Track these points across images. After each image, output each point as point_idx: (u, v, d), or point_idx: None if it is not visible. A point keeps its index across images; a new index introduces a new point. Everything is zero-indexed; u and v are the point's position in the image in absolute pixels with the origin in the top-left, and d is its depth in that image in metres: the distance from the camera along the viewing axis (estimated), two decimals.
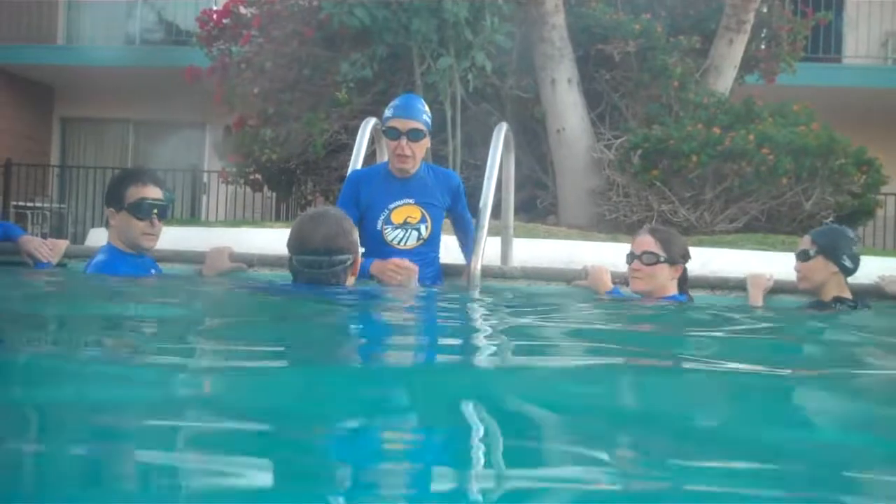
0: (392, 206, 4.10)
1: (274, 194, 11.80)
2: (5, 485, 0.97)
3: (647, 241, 3.93)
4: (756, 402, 1.64)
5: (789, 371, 2.07)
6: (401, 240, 4.09)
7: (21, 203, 15.21)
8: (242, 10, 10.13)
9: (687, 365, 2.11)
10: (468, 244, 4.37)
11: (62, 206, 15.99)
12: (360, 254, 3.28)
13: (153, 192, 3.90)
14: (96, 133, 17.17)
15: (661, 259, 3.88)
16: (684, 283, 4.04)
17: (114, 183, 4.00)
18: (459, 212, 4.41)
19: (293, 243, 3.17)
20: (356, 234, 3.26)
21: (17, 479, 1.01)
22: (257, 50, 9.82)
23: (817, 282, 3.98)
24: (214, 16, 10.30)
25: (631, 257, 3.93)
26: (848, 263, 3.96)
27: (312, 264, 3.13)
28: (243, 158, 9.93)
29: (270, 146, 9.45)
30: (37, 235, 12.61)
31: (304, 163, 9.75)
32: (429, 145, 4.21)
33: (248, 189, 11.51)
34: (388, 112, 4.08)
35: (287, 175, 10.19)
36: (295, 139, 9.38)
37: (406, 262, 3.85)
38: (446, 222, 4.36)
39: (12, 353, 1.89)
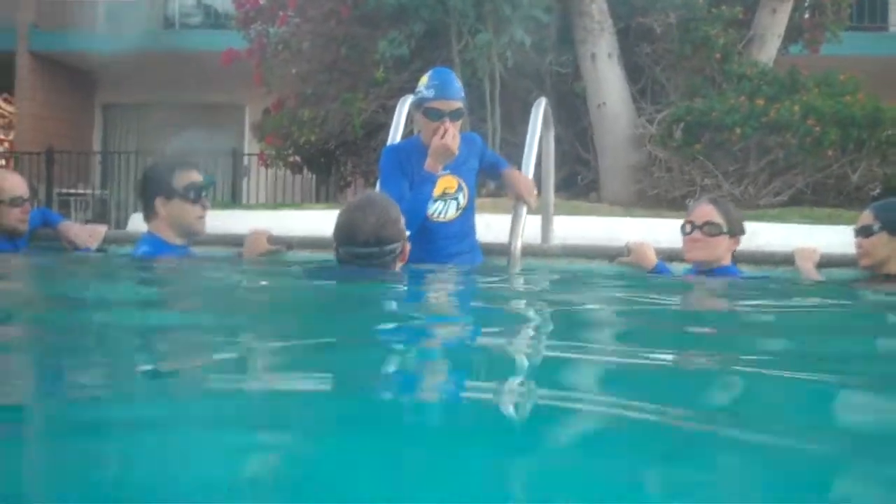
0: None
1: (313, 176, 11.80)
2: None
3: (709, 211, 3.86)
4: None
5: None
6: (441, 212, 4.03)
7: (64, 190, 15.36)
8: None
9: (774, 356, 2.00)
10: (500, 163, 4.42)
11: (104, 192, 16.13)
12: (407, 239, 3.23)
13: (198, 176, 3.94)
14: (137, 118, 17.28)
15: (724, 230, 3.81)
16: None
17: (156, 172, 3.99)
18: (494, 159, 4.41)
19: (341, 235, 3.11)
20: (403, 220, 3.21)
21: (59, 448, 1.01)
22: (294, 31, 9.80)
23: (881, 258, 3.86)
24: None
25: (691, 227, 3.86)
26: None
27: (362, 255, 3.08)
28: (281, 140, 9.92)
29: (308, 127, 9.44)
30: (80, 222, 12.78)
31: (342, 143, 9.73)
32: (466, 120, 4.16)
33: (288, 172, 11.52)
34: (427, 92, 3.99)
35: (326, 156, 10.18)
36: (333, 120, 9.35)
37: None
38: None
39: (50, 335, 1.90)
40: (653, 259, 4.24)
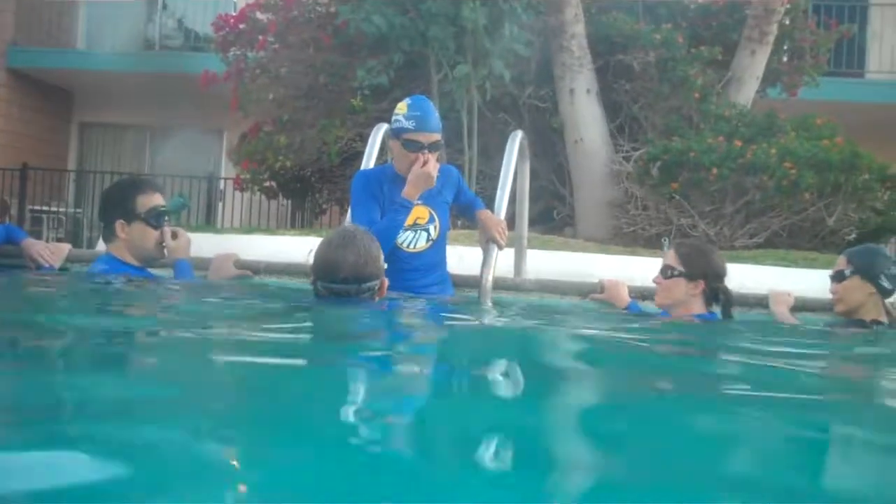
0: None
1: (289, 202, 11.71)
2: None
3: (669, 255, 3.83)
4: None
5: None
6: (411, 242, 3.95)
7: (37, 207, 15.19)
8: (259, 15, 10.05)
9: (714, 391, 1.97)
10: (475, 203, 4.32)
11: (78, 210, 15.96)
12: (384, 277, 3.18)
13: (161, 200, 3.86)
14: (114, 138, 17.14)
15: (677, 273, 3.75)
16: (716, 302, 3.87)
17: (118, 194, 3.91)
18: (469, 198, 4.33)
19: (320, 271, 3.08)
20: (382, 257, 3.16)
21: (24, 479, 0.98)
22: (273, 56, 9.74)
23: (854, 303, 3.82)
24: (231, 20, 10.20)
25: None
26: (886, 284, 3.79)
27: (340, 292, 3.04)
28: (257, 165, 9.85)
29: (284, 153, 9.37)
30: (52, 240, 12.56)
31: (318, 170, 9.67)
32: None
33: (264, 197, 11.44)
34: (407, 123, 3.90)
35: (302, 183, 10.10)
36: (310, 146, 9.30)
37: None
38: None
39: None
40: (626, 298, 4.20)
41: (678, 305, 3.81)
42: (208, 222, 15.16)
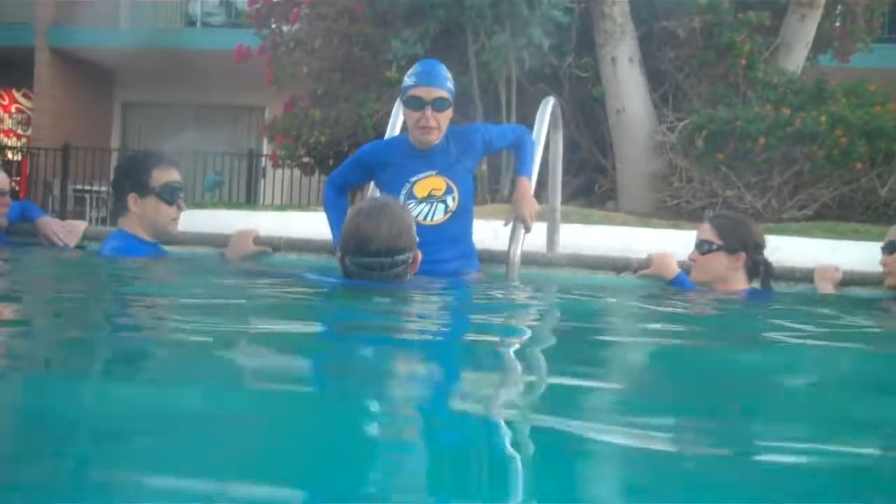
0: (414, 178, 3.79)
1: (325, 177, 11.58)
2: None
3: (704, 229, 3.62)
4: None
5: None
6: (427, 214, 3.76)
7: (80, 186, 15.27)
8: None
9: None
10: (519, 153, 4.05)
11: None
12: (418, 250, 2.98)
13: (177, 175, 3.75)
14: (156, 117, 17.16)
15: (715, 247, 3.53)
16: (757, 275, 3.65)
17: (133, 167, 3.81)
18: (497, 146, 4.15)
19: (350, 244, 2.86)
20: (415, 228, 2.95)
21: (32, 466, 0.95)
22: (307, 28, 9.57)
23: None
24: None
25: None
26: None
27: (373, 266, 2.84)
28: (291, 140, 9.70)
29: (319, 128, 9.21)
30: (97, 220, 12.62)
31: (354, 144, 9.46)
32: (451, 115, 3.87)
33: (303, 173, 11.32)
34: (408, 80, 3.76)
35: (337, 157, 9.94)
36: (345, 120, 9.13)
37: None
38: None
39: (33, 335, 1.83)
40: (675, 268, 3.96)
41: (719, 281, 3.60)
42: (248, 200, 15.12)
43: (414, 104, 3.71)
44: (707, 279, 3.63)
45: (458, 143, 3.86)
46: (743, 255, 3.57)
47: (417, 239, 2.98)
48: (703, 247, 3.57)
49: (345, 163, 4.08)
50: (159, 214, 3.68)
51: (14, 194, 14.97)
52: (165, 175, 3.71)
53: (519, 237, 3.91)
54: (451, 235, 3.77)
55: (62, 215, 13.35)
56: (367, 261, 2.83)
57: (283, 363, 1.66)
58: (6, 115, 18.03)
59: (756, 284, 3.64)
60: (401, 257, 2.86)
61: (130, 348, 1.72)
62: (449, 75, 3.82)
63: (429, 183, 3.77)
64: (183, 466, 0.94)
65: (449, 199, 3.79)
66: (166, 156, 3.82)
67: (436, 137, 3.75)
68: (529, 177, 4.00)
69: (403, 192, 3.77)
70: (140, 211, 3.65)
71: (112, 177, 3.80)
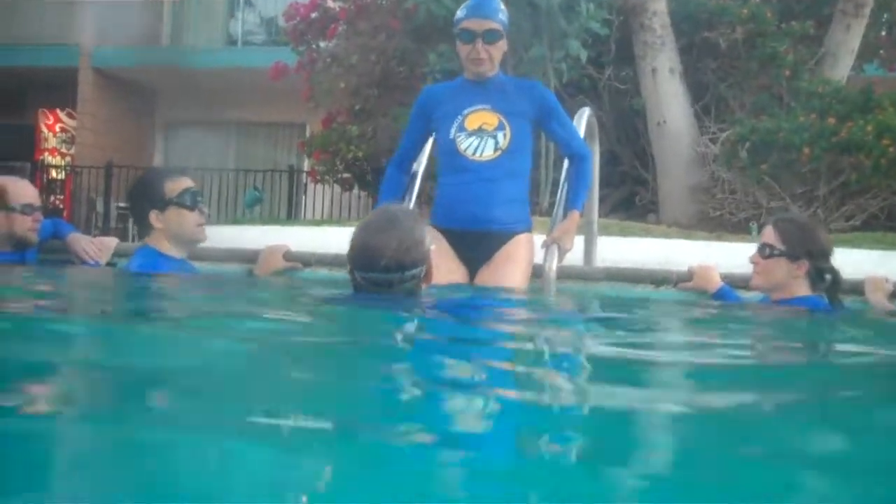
0: (466, 111, 3.68)
1: (366, 193, 11.54)
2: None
3: (767, 232, 3.45)
4: None
5: None
6: (476, 149, 3.64)
7: (123, 204, 15.38)
8: (330, 3, 9.89)
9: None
10: (574, 182, 3.83)
11: None
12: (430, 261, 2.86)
13: (189, 182, 3.69)
14: (198, 135, 17.26)
15: (777, 252, 3.38)
16: (822, 283, 3.47)
17: (145, 186, 3.76)
18: (554, 129, 3.88)
19: (358, 258, 2.70)
20: (428, 240, 2.83)
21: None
22: (344, 44, 9.57)
23: None
24: (302, 10, 10.07)
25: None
26: None
27: (382, 282, 2.69)
28: (329, 156, 9.68)
29: (357, 143, 9.19)
30: (138, 237, 12.71)
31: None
32: (506, 48, 3.75)
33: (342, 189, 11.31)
34: (459, 13, 3.66)
35: (376, 173, 9.90)
36: (382, 135, 9.09)
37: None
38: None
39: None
40: (717, 281, 3.82)
41: (778, 288, 3.43)
42: (290, 216, 15.14)
43: (465, 37, 3.62)
44: (766, 284, 3.48)
45: (518, 85, 3.80)
46: (806, 262, 3.40)
47: (432, 247, 2.85)
48: (764, 250, 3.42)
49: (408, 124, 3.97)
50: (183, 223, 3.62)
51: (58, 211, 15.23)
52: (178, 184, 3.65)
53: (555, 252, 3.80)
54: (502, 174, 3.63)
55: (105, 231, 13.47)
56: (375, 276, 2.72)
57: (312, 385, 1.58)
58: (51, 135, 18.24)
59: (821, 294, 3.48)
60: (410, 272, 2.72)
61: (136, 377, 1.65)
62: (502, 6, 3.69)
63: (480, 116, 3.67)
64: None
65: (500, 136, 3.66)
66: (174, 168, 3.78)
67: (489, 68, 3.65)
68: (581, 211, 3.89)
69: (455, 125, 3.67)
70: (163, 225, 3.60)
71: (128, 204, 3.74)
